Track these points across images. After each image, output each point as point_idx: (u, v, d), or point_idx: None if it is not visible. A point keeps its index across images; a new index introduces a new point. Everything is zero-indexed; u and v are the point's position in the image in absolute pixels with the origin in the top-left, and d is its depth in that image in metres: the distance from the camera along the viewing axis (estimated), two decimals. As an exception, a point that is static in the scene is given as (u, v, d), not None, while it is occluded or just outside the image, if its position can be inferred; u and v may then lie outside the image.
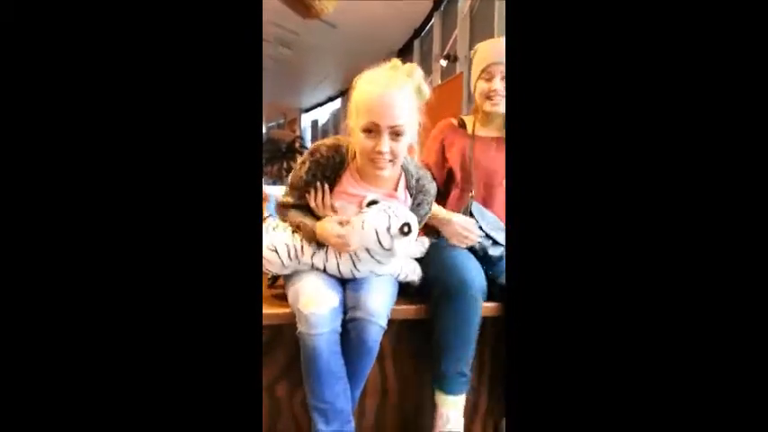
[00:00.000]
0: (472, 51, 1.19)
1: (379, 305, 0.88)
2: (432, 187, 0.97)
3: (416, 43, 6.15)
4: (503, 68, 1.10)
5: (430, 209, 0.99)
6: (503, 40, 1.13)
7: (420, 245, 1.03)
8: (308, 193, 0.91)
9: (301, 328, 0.84)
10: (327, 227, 0.88)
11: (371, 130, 0.81)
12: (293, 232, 0.94)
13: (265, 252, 0.94)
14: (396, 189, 0.93)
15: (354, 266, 0.92)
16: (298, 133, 9.02)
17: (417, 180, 0.94)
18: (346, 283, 0.96)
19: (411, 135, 0.85)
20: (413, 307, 0.98)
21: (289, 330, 0.89)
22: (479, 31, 4.28)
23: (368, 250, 0.90)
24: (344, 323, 0.88)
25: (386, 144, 0.80)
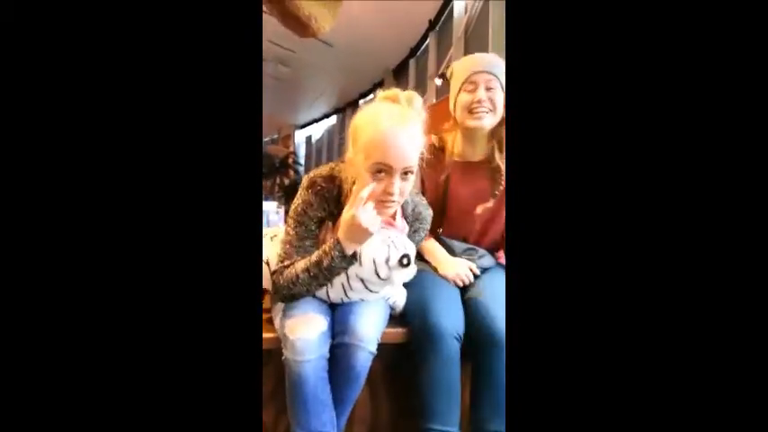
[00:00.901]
0: (449, 70, 1.05)
1: (369, 330, 0.84)
2: (428, 214, 0.94)
3: (412, 62, 6.24)
4: (488, 77, 0.98)
5: (425, 234, 0.97)
6: (489, 54, 1.05)
7: (413, 268, 1.00)
8: (312, 232, 0.85)
9: (287, 354, 0.81)
10: (345, 215, 0.77)
11: (382, 171, 0.75)
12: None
13: None
14: (394, 218, 0.89)
15: (345, 294, 0.89)
16: (291, 149, 9.06)
17: (413, 208, 0.92)
18: (335, 306, 0.92)
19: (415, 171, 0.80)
20: (405, 330, 0.95)
21: (275, 355, 0.85)
22: (474, 51, 4.36)
23: (362, 280, 0.86)
24: (332, 348, 0.84)
25: (397, 186, 0.76)
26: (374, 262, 0.82)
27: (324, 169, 0.87)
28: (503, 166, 1.02)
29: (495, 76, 1.00)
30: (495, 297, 0.94)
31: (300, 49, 5.22)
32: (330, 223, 0.86)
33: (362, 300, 0.91)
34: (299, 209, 0.84)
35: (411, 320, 0.93)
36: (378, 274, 0.83)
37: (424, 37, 5.70)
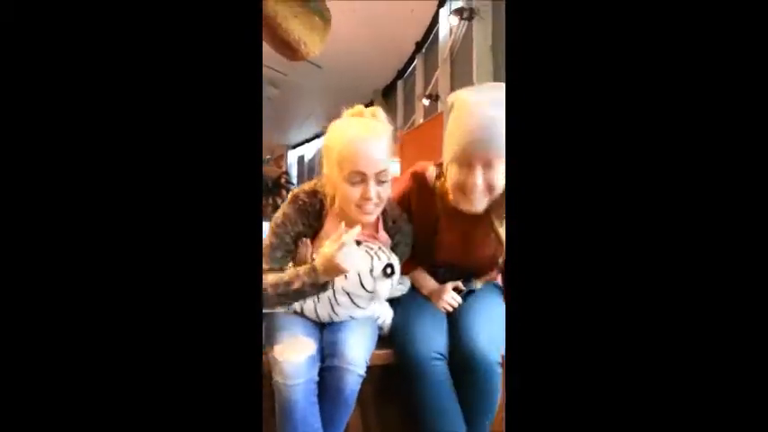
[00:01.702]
0: (450, 102, 0.87)
1: (358, 352, 0.84)
2: (408, 228, 0.96)
3: (400, 83, 6.36)
4: (487, 154, 0.77)
5: (408, 250, 0.99)
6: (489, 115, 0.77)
7: (402, 285, 1.01)
8: (295, 245, 0.89)
9: (277, 377, 0.80)
10: (327, 249, 0.79)
11: (358, 181, 0.81)
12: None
13: None
14: (377, 230, 0.92)
15: (333, 310, 0.89)
16: (284, 169, 9.07)
17: (394, 221, 0.94)
18: (324, 328, 0.92)
19: (390, 177, 0.86)
20: (393, 351, 0.94)
21: (264, 380, 0.84)
22: (460, 72, 4.46)
23: (348, 294, 0.87)
24: (321, 371, 0.84)
25: (373, 191, 0.81)
26: (359, 274, 0.83)
27: (308, 185, 0.91)
28: (502, 236, 0.88)
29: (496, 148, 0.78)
30: (478, 314, 0.95)
31: (291, 71, 5.30)
32: (308, 240, 0.89)
33: (351, 318, 0.91)
34: (279, 221, 0.88)
35: (395, 347, 0.93)
36: (363, 286, 0.84)
37: (412, 59, 5.83)
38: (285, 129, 8.85)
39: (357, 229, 0.78)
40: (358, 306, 0.89)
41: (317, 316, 0.91)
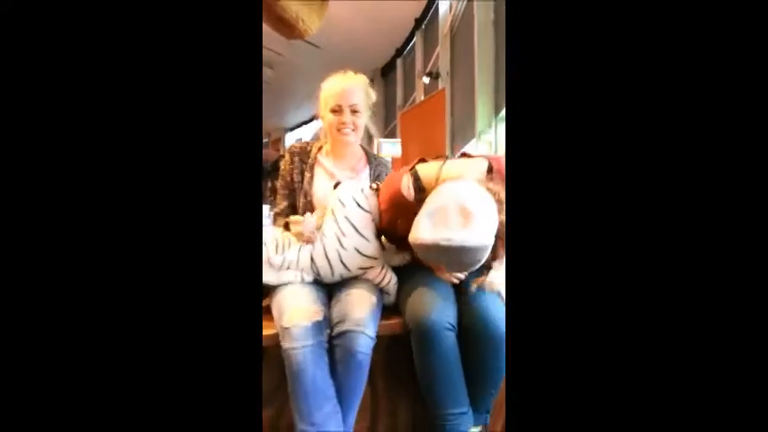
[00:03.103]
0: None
1: (365, 314, 0.87)
2: (387, 162, 1.24)
3: (399, 62, 6.26)
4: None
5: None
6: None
7: (401, 257, 1.04)
8: (293, 183, 1.15)
9: (285, 344, 0.82)
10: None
11: (336, 110, 1.12)
12: (282, 231, 1.02)
13: None
14: (359, 163, 1.19)
15: (340, 244, 0.94)
16: (282, 152, 9.01)
17: (375, 156, 1.24)
18: (331, 299, 0.94)
19: (365, 116, 1.15)
20: (400, 321, 0.95)
21: (273, 352, 0.86)
22: (460, 48, 4.38)
23: (347, 219, 0.95)
24: (331, 339, 0.85)
25: (348, 118, 1.12)
26: (353, 198, 0.98)
27: (298, 143, 1.23)
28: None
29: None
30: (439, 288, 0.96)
31: (288, 51, 5.21)
32: (308, 175, 1.15)
33: (358, 268, 0.96)
34: (283, 172, 1.20)
35: (404, 316, 0.94)
36: (359, 204, 0.97)
37: (411, 36, 5.72)
38: (282, 111, 8.76)
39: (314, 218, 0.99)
40: (363, 237, 0.96)
41: (327, 258, 0.94)
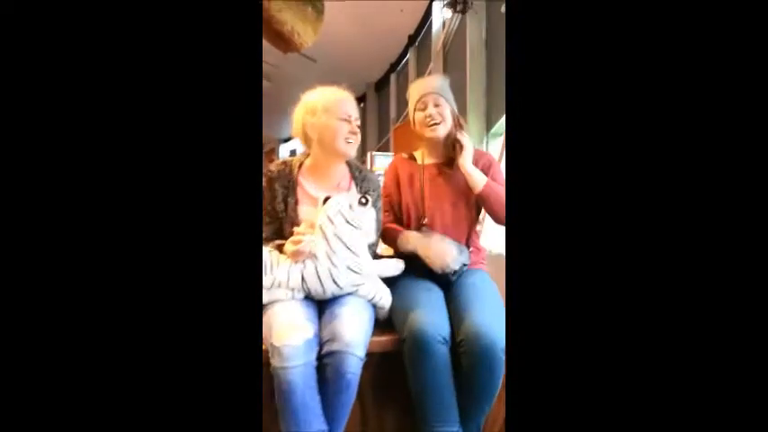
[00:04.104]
0: (407, 94, 1.28)
1: (356, 335, 0.86)
2: (373, 177, 1.16)
3: (393, 77, 6.34)
4: (435, 97, 1.17)
5: (378, 197, 1.13)
6: (430, 77, 1.26)
7: (395, 266, 1.05)
8: (277, 213, 1.07)
9: (274, 362, 0.81)
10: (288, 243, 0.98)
11: (345, 118, 1.07)
12: (270, 251, 0.99)
13: None
14: (343, 180, 1.13)
15: (331, 261, 0.94)
16: (277, 161, 9.01)
17: (360, 171, 1.16)
18: (321, 315, 0.94)
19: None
20: (392, 338, 0.96)
21: (265, 369, 0.85)
22: (453, 64, 4.45)
23: (337, 236, 0.94)
24: (320, 358, 0.85)
25: (356, 127, 1.10)
26: (341, 213, 0.97)
27: (273, 164, 1.13)
28: (460, 161, 1.16)
29: (441, 94, 1.18)
30: (480, 300, 0.97)
31: (283, 63, 5.25)
32: (291, 201, 1.08)
33: (349, 284, 0.95)
34: (264, 201, 1.10)
35: (397, 329, 0.95)
36: (348, 221, 0.96)
37: (405, 52, 5.80)
38: (277, 122, 8.79)
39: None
40: (353, 252, 0.95)
41: (319, 278, 0.93)
